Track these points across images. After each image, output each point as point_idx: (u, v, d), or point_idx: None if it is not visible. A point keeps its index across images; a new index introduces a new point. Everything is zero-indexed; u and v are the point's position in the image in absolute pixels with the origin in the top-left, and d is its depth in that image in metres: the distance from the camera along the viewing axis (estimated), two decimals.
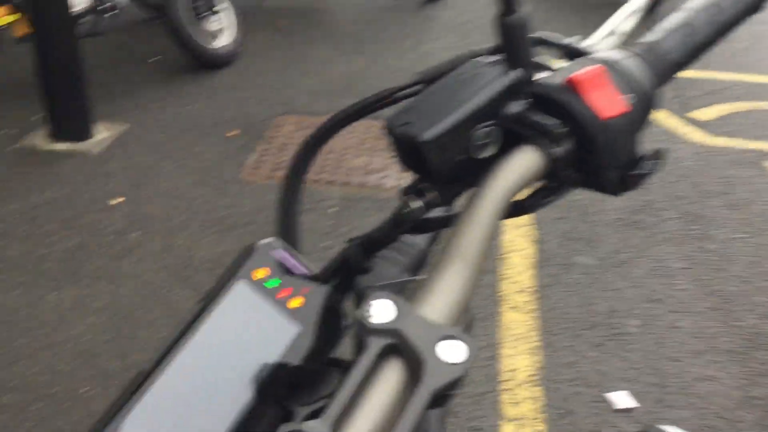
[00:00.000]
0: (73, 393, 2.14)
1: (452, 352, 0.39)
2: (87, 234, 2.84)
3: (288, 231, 0.61)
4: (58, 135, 3.47)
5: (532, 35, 0.52)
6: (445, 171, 0.48)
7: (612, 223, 2.93)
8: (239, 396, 0.46)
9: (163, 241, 2.80)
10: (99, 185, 3.16)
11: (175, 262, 2.69)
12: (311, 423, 0.37)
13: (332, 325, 0.51)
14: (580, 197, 2.95)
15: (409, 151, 0.48)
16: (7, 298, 2.50)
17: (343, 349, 0.51)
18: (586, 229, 2.90)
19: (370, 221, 2.96)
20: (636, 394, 2.13)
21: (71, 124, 3.47)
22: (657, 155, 0.50)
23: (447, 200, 0.51)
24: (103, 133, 3.56)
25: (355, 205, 3.08)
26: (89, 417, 2.07)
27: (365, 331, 0.40)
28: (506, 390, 2.16)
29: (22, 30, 3.41)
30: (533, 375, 2.21)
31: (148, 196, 3.09)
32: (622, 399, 2.11)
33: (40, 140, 3.50)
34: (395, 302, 0.41)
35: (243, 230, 2.88)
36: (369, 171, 3.28)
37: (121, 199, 3.06)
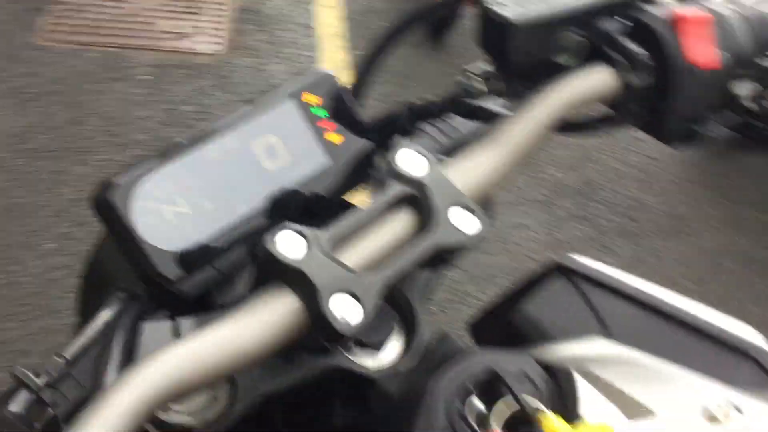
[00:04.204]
0: None
1: (464, 221, 0.40)
2: None
3: (358, 86, 0.59)
4: None
5: None
6: (521, 63, 0.48)
7: None
8: (252, 200, 0.47)
9: None
10: None
11: None
12: (313, 229, 0.38)
13: (360, 171, 0.51)
14: None
15: (493, 32, 0.47)
16: None
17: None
18: None
19: (186, 89, 2.82)
20: None
21: None
22: (728, 121, 0.52)
23: (509, 94, 0.50)
24: None
25: (170, 71, 2.91)
26: None
27: (392, 174, 0.41)
28: None
29: None
30: None
31: None
32: None
33: None
34: (428, 159, 0.41)
35: (47, 100, 2.64)
36: (180, 35, 3.09)
37: None
